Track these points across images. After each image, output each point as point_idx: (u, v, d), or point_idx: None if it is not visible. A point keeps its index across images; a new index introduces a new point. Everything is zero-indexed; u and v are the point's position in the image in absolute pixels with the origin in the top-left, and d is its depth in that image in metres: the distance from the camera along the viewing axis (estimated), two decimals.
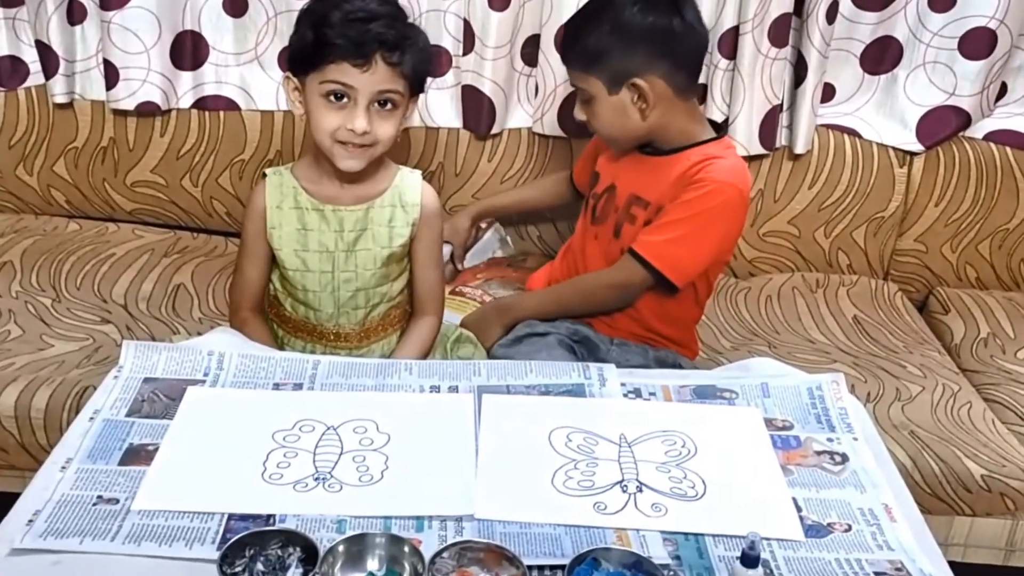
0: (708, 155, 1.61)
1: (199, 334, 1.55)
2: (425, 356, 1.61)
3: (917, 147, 2.10)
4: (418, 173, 1.61)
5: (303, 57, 1.47)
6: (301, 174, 1.57)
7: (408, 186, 1.59)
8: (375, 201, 1.56)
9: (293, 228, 1.55)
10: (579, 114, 1.66)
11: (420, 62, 1.49)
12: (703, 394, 1.35)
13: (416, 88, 1.51)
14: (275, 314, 1.63)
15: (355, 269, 1.56)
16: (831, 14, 1.97)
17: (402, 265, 1.61)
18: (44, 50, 2.03)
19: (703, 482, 1.17)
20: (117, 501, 1.09)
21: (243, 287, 1.60)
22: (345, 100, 1.45)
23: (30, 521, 1.05)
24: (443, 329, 1.74)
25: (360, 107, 1.44)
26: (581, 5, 1.67)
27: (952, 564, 1.11)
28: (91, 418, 1.23)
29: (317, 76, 1.45)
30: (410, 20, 1.54)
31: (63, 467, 1.14)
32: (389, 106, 1.47)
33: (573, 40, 1.63)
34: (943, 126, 2.08)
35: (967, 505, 1.61)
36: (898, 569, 1.06)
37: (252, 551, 1.01)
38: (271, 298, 1.62)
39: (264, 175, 1.58)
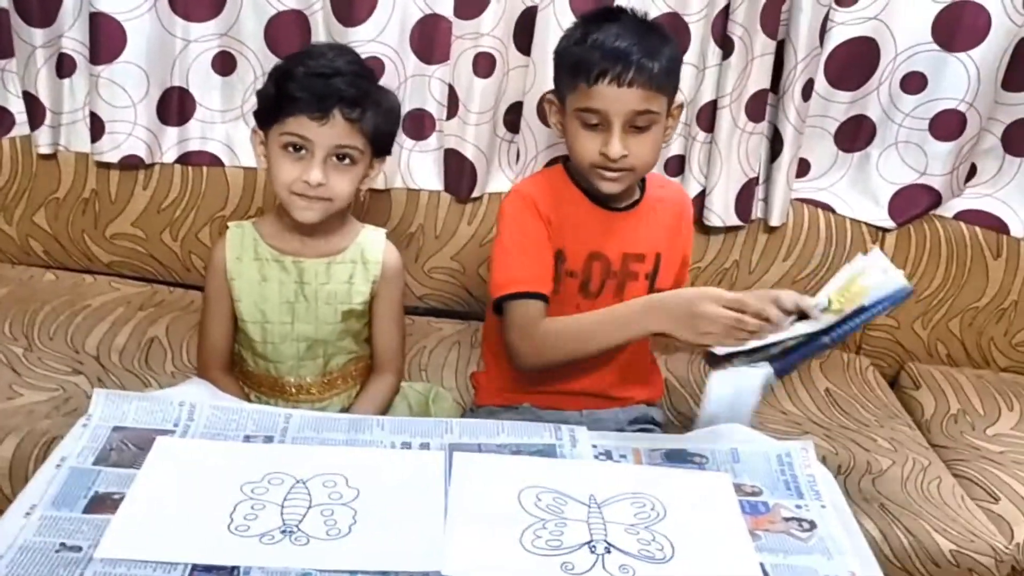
0: (663, 182, 1.68)
1: (171, 387, 1.54)
2: (381, 414, 1.60)
3: (889, 224, 2.14)
4: (382, 231, 1.63)
5: (266, 110, 1.51)
6: (263, 228, 1.59)
7: (370, 244, 1.60)
8: (336, 256, 1.58)
9: (253, 279, 1.56)
10: (619, 148, 1.46)
11: (383, 122, 1.52)
12: (673, 458, 1.35)
13: (380, 148, 1.54)
14: (239, 370, 1.63)
15: (314, 322, 1.57)
16: (807, 92, 2.02)
17: (363, 321, 1.62)
18: (31, 101, 2.05)
19: (671, 545, 1.17)
20: (80, 549, 1.07)
21: (209, 347, 1.61)
22: (303, 152, 1.47)
23: None
24: (420, 388, 1.74)
25: (316, 159, 1.47)
26: (616, 24, 1.49)
27: None
28: (58, 465, 1.21)
29: (278, 128, 1.48)
30: (380, 83, 1.57)
31: (27, 513, 1.12)
32: (347, 161, 1.49)
33: (648, 54, 1.45)
34: (914, 204, 2.13)
35: None
36: None
37: None
38: (234, 354, 1.62)
39: (227, 227, 1.59)
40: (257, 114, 1.54)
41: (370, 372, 1.67)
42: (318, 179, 1.46)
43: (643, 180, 1.62)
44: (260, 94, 1.53)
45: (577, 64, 1.47)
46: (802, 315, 1.43)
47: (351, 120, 1.47)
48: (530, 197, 1.55)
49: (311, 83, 1.45)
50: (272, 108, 1.49)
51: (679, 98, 1.55)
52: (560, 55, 1.55)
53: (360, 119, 1.47)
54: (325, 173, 1.47)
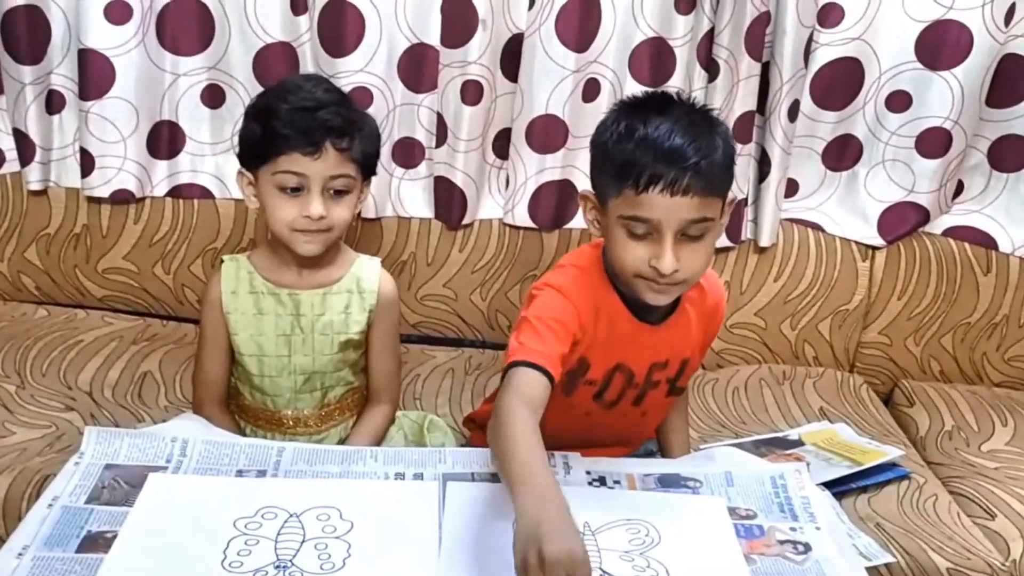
0: (700, 281, 1.43)
1: (164, 422, 1.54)
2: (378, 444, 1.60)
3: (879, 242, 2.15)
4: (377, 261, 1.64)
5: (254, 151, 1.51)
6: (258, 261, 1.59)
7: (366, 273, 1.61)
8: (332, 287, 1.59)
9: (249, 313, 1.56)
10: (671, 262, 1.28)
11: (369, 146, 1.54)
12: (667, 483, 1.35)
13: (367, 171, 1.55)
14: (235, 404, 1.63)
15: (312, 354, 1.57)
16: (793, 112, 2.04)
17: (360, 351, 1.63)
18: (21, 138, 2.05)
19: (666, 571, 1.17)
20: None
21: (206, 382, 1.60)
22: (299, 189, 1.48)
23: None
24: (414, 417, 1.74)
25: (315, 194, 1.48)
26: (666, 123, 1.28)
27: None
28: (50, 505, 1.21)
29: (269, 168, 1.48)
30: (355, 106, 1.58)
31: (19, 554, 1.12)
32: (343, 190, 1.51)
33: (705, 154, 1.26)
34: (903, 222, 2.14)
35: None
36: None
37: None
38: (230, 388, 1.62)
39: (221, 261, 1.60)
40: (242, 156, 1.54)
41: (366, 402, 1.67)
42: (320, 212, 1.47)
43: None
44: (244, 136, 1.53)
45: (623, 166, 1.28)
46: None
47: (341, 150, 1.48)
48: (575, 304, 1.35)
49: (298, 118, 1.46)
50: (260, 149, 1.49)
51: (731, 194, 1.36)
52: (600, 151, 1.35)
53: (350, 147, 1.48)
54: (324, 206, 1.48)
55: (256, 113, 1.51)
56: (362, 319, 1.59)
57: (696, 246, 1.31)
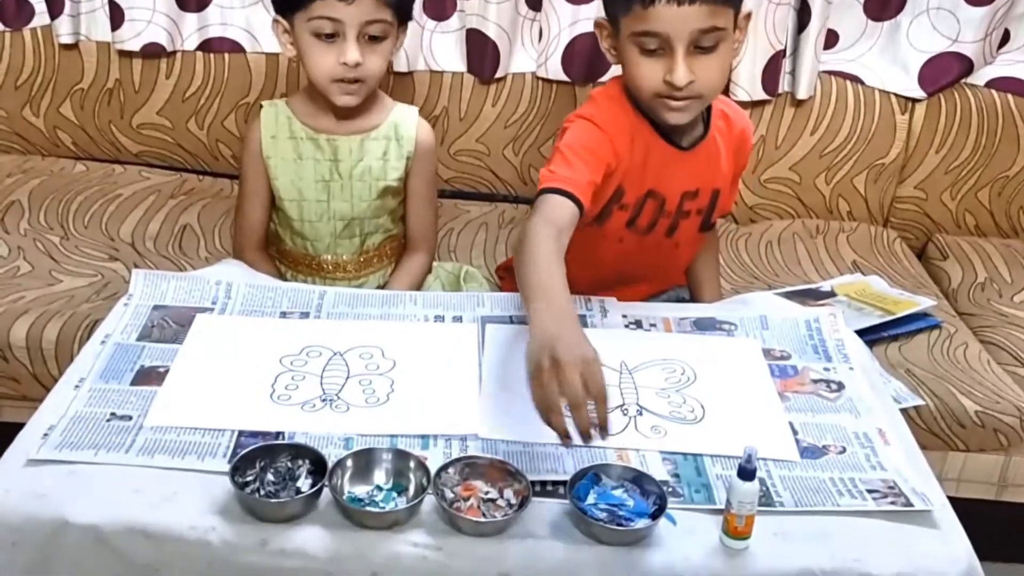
0: (726, 112, 1.48)
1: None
2: (416, 290, 1.62)
3: (919, 94, 2.10)
4: (414, 109, 1.64)
5: None
6: (296, 107, 1.60)
7: (403, 120, 1.61)
8: (370, 133, 1.59)
9: (288, 158, 1.57)
10: (684, 74, 1.29)
11: None
12: (703, 326, 1.37)
13: (403, 16, 1.53)
14: (275, 249, 1.65)
15: (350, 199, 1.59)
16: None
17: (398, 199, 1.64)
18: None
19: (702, 407, 1.20)
20: (130, 418, 1.12)
21: (245, 227, 1.63)
22: (335, 36, 1.47)
23: (45, 435, 1.08)
24: (450, 268, 1.76)
25: (350, 40, 1.47)
26: None
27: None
28: (102, 342, 1.25)
29: (304, 15, 1.47)
30: None
31: (76, 386, 1.17)
32: (378, 37, 1.50)
33: None
34: (945, 73, 2.09)
35: (961, 440, 1.64)
36: (891, 487, 1.09)
37: (262, 463, 1.04)
38: (271, 233, 1.65)
39: (260, 107, 1.60)
40: (277, 3, 1.53)
41: (404, 251, 1.69)
42: (356, 58, 1.47)
43: (708, 111, 1.45)
44: None
45: None
46: None
47: None
48: (608, 133, 1.36)
49: None
50: None
51: (746, 7, 1.35)
52: None
53: None
54: (360, 52, 1.47)
55: None
56: (400, 166, 1.60)
57: (709, 58, 1.31)
